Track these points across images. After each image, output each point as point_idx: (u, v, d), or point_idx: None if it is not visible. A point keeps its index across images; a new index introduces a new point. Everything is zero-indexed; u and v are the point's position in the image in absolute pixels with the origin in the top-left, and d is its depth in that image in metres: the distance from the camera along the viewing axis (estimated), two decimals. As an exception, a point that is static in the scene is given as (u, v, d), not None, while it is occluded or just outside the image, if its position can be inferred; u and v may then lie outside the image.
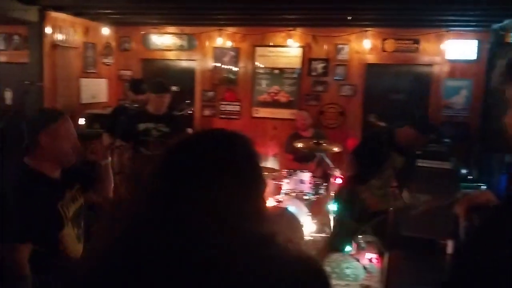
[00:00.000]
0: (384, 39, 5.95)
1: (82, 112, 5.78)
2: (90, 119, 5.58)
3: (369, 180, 3.64)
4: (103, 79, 6.47)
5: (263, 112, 6.40)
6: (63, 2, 5.20)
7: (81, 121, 5.71)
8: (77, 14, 5.69)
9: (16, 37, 5.96)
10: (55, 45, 5.39)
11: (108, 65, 6.57)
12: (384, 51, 5.97)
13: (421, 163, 4.68)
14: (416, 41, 5.85)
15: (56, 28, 5.40)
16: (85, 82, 6.02)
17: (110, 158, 2.55)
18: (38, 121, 2.30)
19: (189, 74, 6.62)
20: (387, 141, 3.65)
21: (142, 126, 4.09)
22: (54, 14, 5.32)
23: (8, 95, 5.61)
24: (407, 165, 3.79)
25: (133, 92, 4.69)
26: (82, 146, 2.41)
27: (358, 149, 3.89)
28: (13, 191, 2.20)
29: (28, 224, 2.10)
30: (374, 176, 3.61)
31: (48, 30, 5.25)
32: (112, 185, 2.59)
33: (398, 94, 5.96)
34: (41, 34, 5.20)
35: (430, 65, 5.92)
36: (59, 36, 5.45)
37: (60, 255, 2.25)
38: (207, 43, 6.49)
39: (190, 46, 6.54)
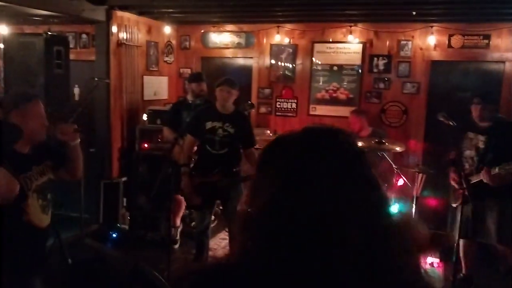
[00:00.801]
0: (451, 35, 5.71)
1: (144, 109, 5.96)
2: (152, 115, 5.74)
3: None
4: (164, 77, 6.63)
5: (320, 110, 6.33)
6: (129, 2, 5.36)
7: (144, 117, 5.88)
8: (141, 13, 5.86)
9: (84, 36, 6.23)
10: (120, 44, 5.57)
11: (169, 63, 6.72)
12: (451, 47, 5.74)
13: None
14: (487, 37, 5.57)
15: (121, 27, 5.57)
16: (147, 79, 6.19)
17: (79, 140, 2.71)
18: (11, 101, 2.51)
19: (246, 71, 6.66)
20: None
21: (209, 125, 4.16)
22: (119, 14, 5.50)
23: (76, 91, 5.86)
24: (492, 142, 3.84)
25: (196, 82, 4.89)
26: (52, 126, 2.56)
27: None
28: None
29: None
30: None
31: (114, 29, 5.43)
32: (82, 164, 2.77)
33: (465, 93, 5.71)
34: (107, 33, 5.39)
35: (502, 62, 5.62)
36: (124, 35, 5.62)
37: (25, 224, 2.46)
38: (264, 40, 6.50)
39: (248, 43, 6.57)
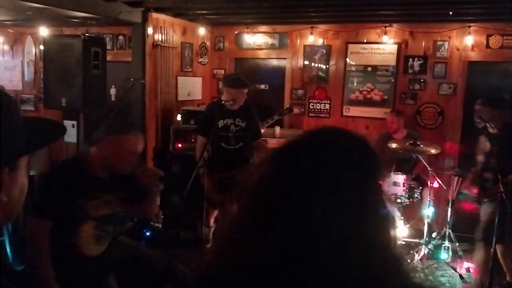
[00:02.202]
0: (489, 35, 5.56)
1: (178, 109, 6.04)
2: (186, 115, 5.81)
3: None
4: (198, 78, 6.70)
5: (354, 111, 6.27)
6: (164, 4, 5.45)
7: (178, 117, 5.97)
8: (176, 15, 5.95)
9: (120, 37, 6.37)
10: (155, 45, 5.67)
11: (203, 64, 6.79)
12: (489, 47, 5.59)
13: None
14: (527, 37, 5.41)
15: (157, 28, 5.67)
16: (182, 80, 6.28)
17: (161, 187, 2.66)
18: (112, 126, 2.54)
19: (279, 72, 6.66)
20: None
21: (221, 123, 4.26)
22: (155, 15, 5.60)
23: (113, 92, 6.00)
24: (502, 146, 3.74)
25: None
26: (140, 170, 2.52)
27: None
28: (52, 173, 2.43)
29: (51, 203, 2.30)
30: None
31: (149, 30, 5.53)
32: (156, 208, 2.75)
33: (504, 94, 5.54)
34: (143, 34, 5.49)
35: (544, 63, 5.44)
36: (160, 37, 5.72)
37: (73, 247, 2.40)
38: (298, 41, 6.48)
39: (281, 44, 6.57)
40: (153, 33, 5.62)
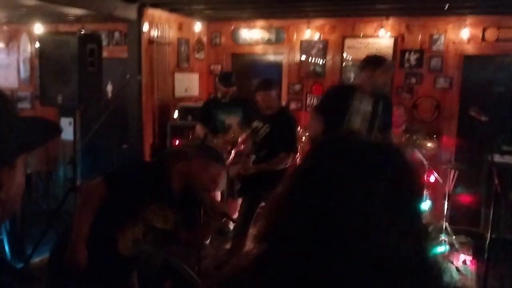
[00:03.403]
0: (485, 28, 5.57)
1: (175, 105, 6.04)
2: (183, 111, 5.81)
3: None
4: (195, 74, 6.69)
5: (351, 106, 6.27)
6: (160, -1, 5.44)
7: (175, 113, 5.97)
8: (172, 10, 5.93)
9: (116, 34, 6.36)
10: (151, 41, 5.66)
11: (199, 60, 6.79)
12: (485, 40, 5.59)
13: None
14: (522, 30, 5.42)
15: (152, 24, 5.66)
16: (178, 76, 6.27)
17: (221, 223, 2.74)
18: (209, 151, 2.59)
19: (276, 67, 6.65)
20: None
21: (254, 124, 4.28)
22: (151, 11, 5.58)
23: (109, 88, 5.99)
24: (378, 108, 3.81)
25: (224, 85, 4.85)
26: (210, 202, 2.52)
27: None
28: (142, 165, 2.47)
29: (124, 183, 2.33)
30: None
31: (145, 26, 5.52)
32: (204, 241, 2.71)
33: (500, 87, 5.56)
34: (139, 30, 5.48)
35: (539, 55, 5.45)
36: (155, 32, 5.71)
37: (112, 240, 2.38)
38: (294, 36, 6.48)
39: (278, 39, 6.57)
40: (149, 29, 5.61)
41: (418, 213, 0.80)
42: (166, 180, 2.40)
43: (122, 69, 5.56)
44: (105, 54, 4.85)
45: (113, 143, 4.71)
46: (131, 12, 5.33)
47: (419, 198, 0.84)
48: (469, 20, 5.55)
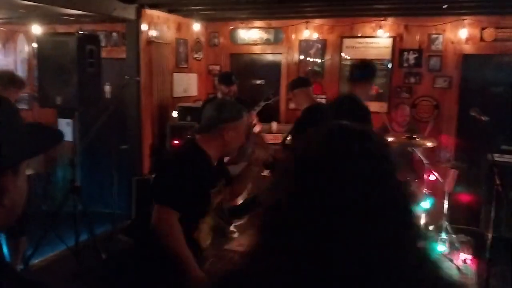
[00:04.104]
0: (483, 28, 5.58)
1: (174, 106, 6.03)
2: (182, 112, 5.80)
3: None
4: (193, 74, 6.68)
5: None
6: (158, 0, 5.42)
7: (174, 114, 5.95)
8: (170, 11, 5.92)
9: (114, 34, 6.33)
10: (150, 41, 5.64)
11: (198, 60, 6.77)
12: (483, 40, 5.60)
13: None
14: (520, 29, 5.43)
15: (151, 25, 5.65)
16: (177, 76, 6.26)
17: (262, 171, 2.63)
18: (228, 112, 2.40)
19: (275, 67, 6.65)
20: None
21: None
22: (149, 12, 5.57)
23: (108, 89, 5.97)
24: None
25: (225, 84, 4.87)
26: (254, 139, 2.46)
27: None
28: (182, 162, 2.30)
29: (183, 195, 2.19)
30: None
31: (144, 27, 5.51)
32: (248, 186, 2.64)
33: (498, 87, 5.57)
34: (137, 31, 5.46)
35: (536, 55, 5.47)
36: (154, 33, 5.69)
37: (192, 240, 2.28)
38: (293, 36, 6.48)
39: (277, 39, 6.56)
40: (148, 30, 5.60)
41: (405, 203, 0.81)
42: (208, 162, 2.35)
43: (121, 69, 5.54)
44: (103, 54, 4.83)
45: (112, 144, 4.69)
46: (129, 13, 5.32)
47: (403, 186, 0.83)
48: (468, 20, 5.56)
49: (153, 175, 2.51)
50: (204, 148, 2.33)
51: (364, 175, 0.76)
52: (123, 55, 5.70)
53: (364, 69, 3.91)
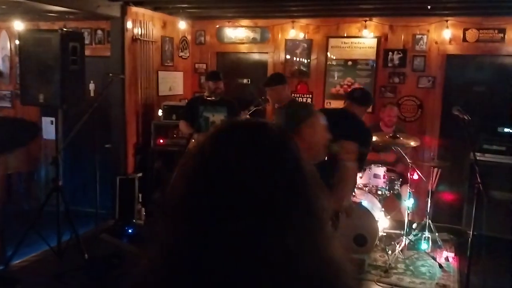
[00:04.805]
0: (466, 29, 5.64)
1: (160, 104, 6.00)
2: (167, 110, 5.77)
3: None
4: (179, 72, 6.65)
5: (335, 104, 6.28)
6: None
7: (159, 112, 5.92)
8: (156, 8, 5.89)
9: (99, 32, 6.28)
10: (135, 39, 5.60)
11: (184, 58, 6.75)
12: (466, 41, 5.67)
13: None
14: (502, 31, 5.49)
15: (136, 22, 5.61)
16: (162, 75, 6.23)
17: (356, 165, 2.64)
18: (299, 113, 2.42)
19: (261, 66, 6.65)
20: None
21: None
22: (134, 9, 5.53)
23: (92, 87, 5.92)
24: None
25: (212, 80, 4.91)
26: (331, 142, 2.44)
27: None
28: None
29: None
30: None
31: (129, 24, 5.47)
32: (348, 194, 2.71)
33: (480, 87, 5.65)
34: (122, 28, 5.42)
35: (517, 55, 5.54)
36: (139, 31, 5.66)
37: None
38: (279, 36, 6.48)
39: (263, 38, 6.56)
40: (132, 27, 5.56)
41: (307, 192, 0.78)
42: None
43: (105, 67, 5.49)
44: (88, 52, 4.80)
45: (96, 142, 4.65)
46: (114, 10, 5.28)
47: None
48: (451, 20, 5.62)
49: None
50: None
51: (256, 168, 0.74)
52: (108, 53, 5.65)
53: (367, 95, 3.95)
